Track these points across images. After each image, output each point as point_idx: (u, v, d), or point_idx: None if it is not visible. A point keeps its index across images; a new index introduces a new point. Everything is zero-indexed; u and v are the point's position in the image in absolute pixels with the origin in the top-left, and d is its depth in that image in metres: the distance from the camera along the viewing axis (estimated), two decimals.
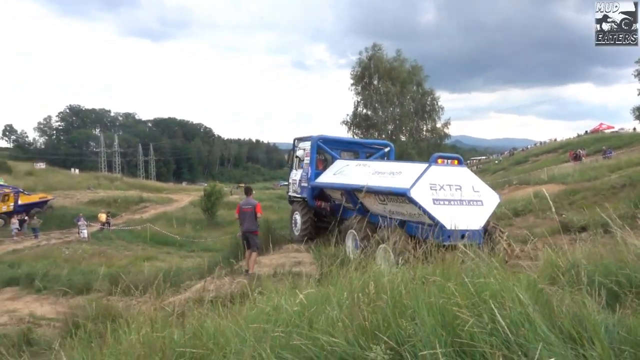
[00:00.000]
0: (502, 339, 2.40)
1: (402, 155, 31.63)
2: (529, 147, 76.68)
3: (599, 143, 44.32)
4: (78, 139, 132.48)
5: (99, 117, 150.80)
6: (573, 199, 15.61)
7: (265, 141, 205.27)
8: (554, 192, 16.19)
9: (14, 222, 28.98)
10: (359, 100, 40.96)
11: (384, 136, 38.35)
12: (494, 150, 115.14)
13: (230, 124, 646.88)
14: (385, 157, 13.30)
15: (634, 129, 57.08)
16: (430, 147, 38.37)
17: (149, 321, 3.51)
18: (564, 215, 11.89)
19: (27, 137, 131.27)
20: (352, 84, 41.38)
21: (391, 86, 38.73)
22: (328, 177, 11.75)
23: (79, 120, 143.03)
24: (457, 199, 8.27)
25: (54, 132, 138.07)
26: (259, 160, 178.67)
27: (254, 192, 11.63)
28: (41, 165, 59.97)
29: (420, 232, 7.76)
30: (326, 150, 12.68)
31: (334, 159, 12.53)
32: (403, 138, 40.41)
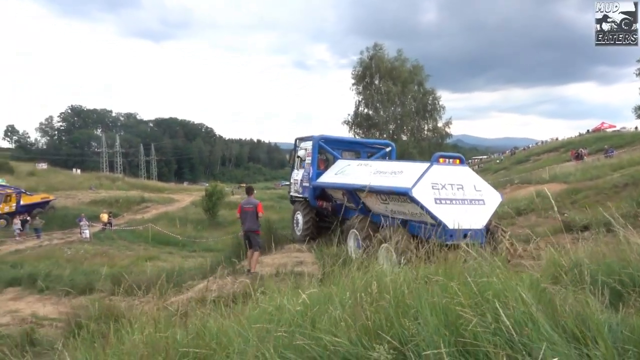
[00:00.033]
0: (505, 339, 2.40)
1: (403, 154, 31.63)
2: (530, 146, 76.54)
3: (600, 142, 44.23)
4: (80, 139, 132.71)
5: (100, 118, 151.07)
6: (575, 198, 15.59)
7: (267, 141, 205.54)
8: (556, 192, 16.15)
9: (16, 222, 29.01)
10: (360, 100, 40.97)
11: (385, 136, 38.34)
12: (495, 150, 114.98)
13: (231, 124, 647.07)
14: (386, 156, 13.30)
15: (636, 127, 57.02)
16: (431, 146, 38.35)
17: (152, 321, 3.51)
18: (565, 215, 11.87)
19: (29, 137, 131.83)
20: (353, 84, 41.39)
21: (392, 86, 38.71)
22: (330, 177, 11.75)
23: (80, 121, 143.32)
24: (459, 198, 8.26)
25: (56, 132, 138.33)
26: (260, 160, 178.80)
27: (255, 191, 11.63)
28: (43, 166, 60.05)
29: (423, 231, 7.76)
30: (328, 150, 12.67)
31: (335, 159, 12.52)
32: (404, 138, 40.39)
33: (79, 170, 68.62)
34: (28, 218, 30.96)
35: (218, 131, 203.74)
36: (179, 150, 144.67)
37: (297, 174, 13.43)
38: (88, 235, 27.94)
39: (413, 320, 2.70)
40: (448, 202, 8.14)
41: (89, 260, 20.80)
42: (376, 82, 40.61)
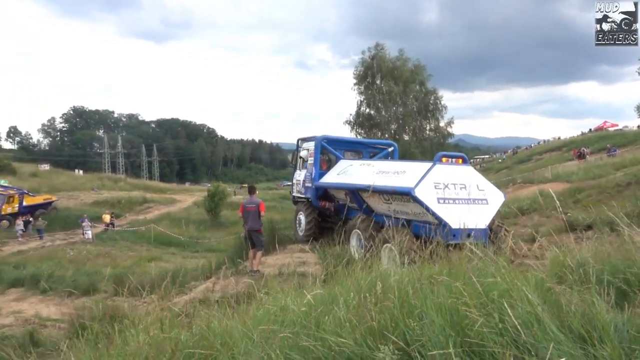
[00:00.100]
0: (511, 339, 2.39)
1: (405, 154, 31.61)
2: (532, 145, 76.40)
3: (603, 141, 44.09)
4: (82, 140, 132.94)
5: (102, 118, 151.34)
6: (578, 198, 15.54)
7: (268, 141, 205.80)
8: (559, 191, 16.11)
9: (19, 223, 29.07)
10: (362, 99, 41.02)
11: (387, 136, 38.35)
12: (497, 149, 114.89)
13: (233, 124, 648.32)
14: (389, 156, 13.27)
15: (638, 126, 56.84)
16: (433, 146, 38.36)
17: (158, 322, 3.51)
18: (568, 214, 11.83)
19: (31, 138, 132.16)
20: (355, 84, 41.44)
21: (394, 85, 38.72)
22: (332, 177, 11.73)
23: (82, 122, 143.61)
24: (462, 197, 8.24)
25: (58, 133, 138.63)
26: (262, 161, 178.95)
27: (257, 191, 11.63)
28: (45, 167, 60.22)
29: (426, 231, 7.74)
30: (330, 150, 12.65)
31: (337, 159, 12.50)
32: (406, 137, 40.41)
33: (81, 171, 68.77)
34: (31, 219, 31.00)
35: (220, 131, 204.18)
36: (181, 151, 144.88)
37: (300, 175, 13.42)
38: (90, 236, 27.98)
39: (418, 321, 2.69)
40: (451, 201, 8.12)
41: (92, 261, 20.83)
42: (378, 82, 40.64)
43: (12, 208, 32.32)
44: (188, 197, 51.32)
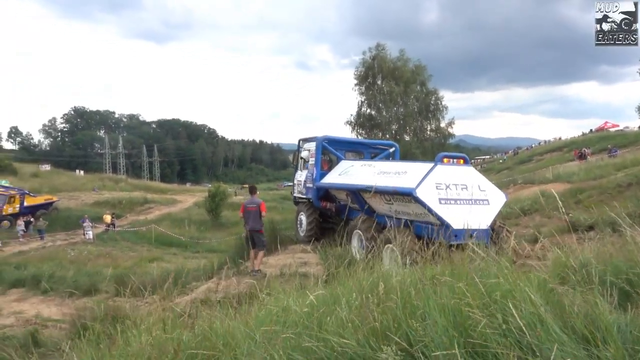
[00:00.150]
0: (515, 340, 2.38)
1: (406, 155, 31.62)
2: (533, 146, 76.31)
3: (604, 141, 44.02)
4: (83, 140, 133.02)
5: (103, 119, 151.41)
6: (579, 198, 15.54)
7: (269, 142, 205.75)
8: (560, 191, 16.10)
9: (20, 223, 29.10)
10: (362, 100, 41.04)
11: (387, 136, 38.36)
12: (498, 149, 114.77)
13: (233, 125, 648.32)
14: (390, 157, 13.27)
15: (639, 127, 56.77)
16: (434, 146, 38.38)
17: (160, 322, 3.50)
18: (570, 215, 11.83)
19: (32, 139, 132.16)
20: (355, 84, 41.48)
21: (395, 86, 38.74)
22: (333, 178, 11.73)
23: (83, 122, 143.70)
24: (463, 198, 8.23)
25: (59, 134, 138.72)
26: (263, 161, 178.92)
27: (258, 192, 11.63)
28: (46, 167, 60.27)
29: (428, 232, 7.73)
30: (331, 150, 12.65)
31: (338, 160, 12.50)
32: (407, 138, 40.42)
33: (82, 172, 68.83)
34: (31, 219, 31.06)
35: (220, 132, 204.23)
36: (182, 151, 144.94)
37: (301, 175, 13.42)
38: (91, 237, 28.02)
39: (421, 321, 2.69)
40: (452, 202, 8.11)
41: (93, 261, 20.85)
42: (379, 82, 40.66)
43: (13, 208, 32.34)
44: (189, 198, 51.34)
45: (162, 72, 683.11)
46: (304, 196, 13.07)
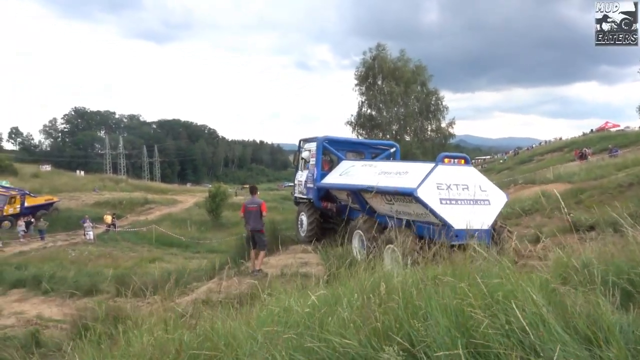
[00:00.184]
0: (517, 340, 2.38)
1: (406, 155, 31.61)
2: (533, 146, 76.32)
3: (604, 142, 44.02)
4: (83, 141, 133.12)
5: (103, 119, 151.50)
6: (580, 198, 15.54)
7: (269, 142, 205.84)
8: (560, 191, 16.07)
9: (21, 224, 29.12)
10: (363, 100, 41.03)
11: (388, 136, 38.36)
12: (498, 150, 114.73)
13: (234, 125, 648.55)
14: (391, 157, 13.27)
15: None
16: (434, 147, 38.37)
17: (162, 323, 3.50)
18: (571, 215, 11.82)
19: (32, 139, 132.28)
20: (356, 84, 41.48)
21: (395, 86, 38.74)
22: (334, 178, 11.73)
23: (84, 123, 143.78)
24: (464, 198, 8.22)
25: (59, 134, 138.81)
26: (263, 161, 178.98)
27: (258, 192, 11.63)
28: (47, 168, 60.31)
29: (429, 232, 7.73)
30: (332, 151, 12.66)
31: (339, 160, 12.50)
32: (407, 138, 40.40)
33: (82, 172, 68.88)
34: (32, 220, 31.07)
35: (221, 132, 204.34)
36: (182, 152, 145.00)
37: (301, 175, 13.42)
38: (92, 237, 28.03)
39: (423, 322, 2.68)
40: (453, 202, 8.11)
41: (93, 261, 20.87)
42: (379, 82, 40.65)
43: (13, 209, 32.36)
44: (189, 198, 51.35)
45: (162, 72, 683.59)
46: (305, 196, 13.07)
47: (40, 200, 35.56)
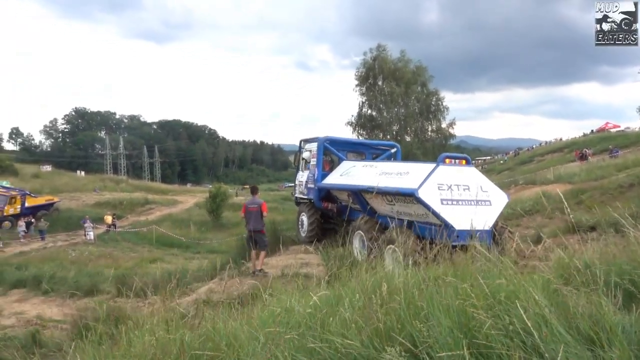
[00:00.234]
0: (520, 341, 2.38)
1: (407, 155, 31.59)
2: (534, 146, 76.33)
3: (605, 142, 44.04)
4: (84, 141, 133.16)
5: (104, 120, 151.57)
6: (580, 199, 15.53)
7: (270, 142, 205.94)
8: (561, 192, 16.07)
9: (21, 224, 29.11)
10: (363, 101, 41.01)
11: (388, 137, 38.33)
12: (499, 150, 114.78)
13: (234, 126, 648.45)
14: (391, 158, 13.27)
15: None
16: (435, 147, 38.34)
17: (164, 323, 3.50)
18: (572, 215, 11.82)
19: (33, 139, 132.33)
20: (356, 85, 41.46)
21: (396, 87, 38.72)
22: (335, 179, 11.72)
23: (84, 123, 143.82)
24: (465, 199, 8.22)
25: (60, 134, 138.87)
26: (264, 162, 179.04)
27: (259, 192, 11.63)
28: (47, 168, 60.26)
29: (430, 233, 7.72)
30: (333, 151, 12.65)
31: (340, 160, 12.50)
32: (408, 139, 40.34)
33: (83, 172, 68.85)
34: (32, 220, 31.05)
35: (221, 133, 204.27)
36: (183, 152, 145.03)
37: (302, 176, 13.42)
38: (92, 237, 28.02)
39: (425, 322, 2.68)
40: (454, 202, 8.10)
41: (94, 262, 20.86)
42: (379, 83, 40.63)
43: (14, 209, 32.34)
44: (190, 198, 51.34)
45: (162, 72, 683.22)
46: (306, 197, 13.07)
47: (41, 200, 35.54)
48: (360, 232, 9.97)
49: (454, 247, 5.24)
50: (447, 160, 8.73)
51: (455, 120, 41.72)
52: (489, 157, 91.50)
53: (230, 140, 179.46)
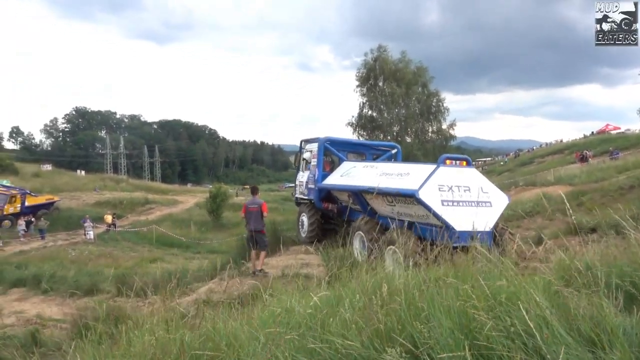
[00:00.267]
0: (521, 342, 2.37)
1: (407, 156, 31.58)
2: (534, 148, 76.39)
3: (605, 144, 44.08)
4: (84, 140, 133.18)
5: (104, 119, 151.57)
6: (581, 200, 15.53)
7: (270, 143, 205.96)
8: (561, 194, 16.09)
9: (21, 223, 29.12)
10: (364, 101, 41.00)
11: (389, 138, 38.32)
12: (499, 152, 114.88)
13: (235, 126, 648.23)
14: (392, 158, 13.27)
15: None
16: (435, 148, 38.33)
17: (164, 323, 3.49)
18: (573, 217, 11.82)
19: (33, 139, 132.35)
20: (357, 86, 41.45)
21: (396, 87, 38.71)
22: (335, 179, 11.72)
23: (85, 122, 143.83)
24: (466, 200, 8.21)
25: (60, 134, 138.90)
26: (264, 162, 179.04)
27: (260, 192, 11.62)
28: (47, 167, 60.29)
29: (431, 234, 7.72)
30: (333, 152, 12.65)
31: (341, 161, 12.50)
32: (408, 139, 40.31)
33: (83, 172, 68.84)
34: (32, 219, 31.06)
35: (222, 133, 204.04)
36: (183, 152, 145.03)
37: (303, 176, 13.41)
38: (92, 237, 28.01)
39: (426, 323, 2.67)
40: (455, 204, 8.09)
41: (94, 261, 20.86)
42: (380, 83, 40.62)
43: (14, 208, 32.36)
44: (190, 198, 51.34)
45: (163, 72, 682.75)
46: (306, 197, 13.06)
47: (41, 199, 35.56)
48: (360, 232, 9.96)
49: (454, 248, 5.24)
50: (448, 162, 8.72)
51: (456, 121, 41.72)
52: (489, 159, 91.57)
53: (231, 140, 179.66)
